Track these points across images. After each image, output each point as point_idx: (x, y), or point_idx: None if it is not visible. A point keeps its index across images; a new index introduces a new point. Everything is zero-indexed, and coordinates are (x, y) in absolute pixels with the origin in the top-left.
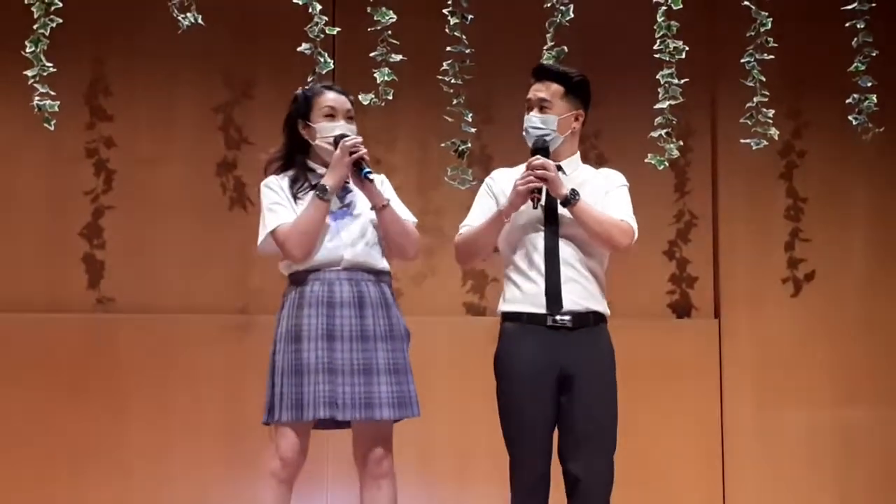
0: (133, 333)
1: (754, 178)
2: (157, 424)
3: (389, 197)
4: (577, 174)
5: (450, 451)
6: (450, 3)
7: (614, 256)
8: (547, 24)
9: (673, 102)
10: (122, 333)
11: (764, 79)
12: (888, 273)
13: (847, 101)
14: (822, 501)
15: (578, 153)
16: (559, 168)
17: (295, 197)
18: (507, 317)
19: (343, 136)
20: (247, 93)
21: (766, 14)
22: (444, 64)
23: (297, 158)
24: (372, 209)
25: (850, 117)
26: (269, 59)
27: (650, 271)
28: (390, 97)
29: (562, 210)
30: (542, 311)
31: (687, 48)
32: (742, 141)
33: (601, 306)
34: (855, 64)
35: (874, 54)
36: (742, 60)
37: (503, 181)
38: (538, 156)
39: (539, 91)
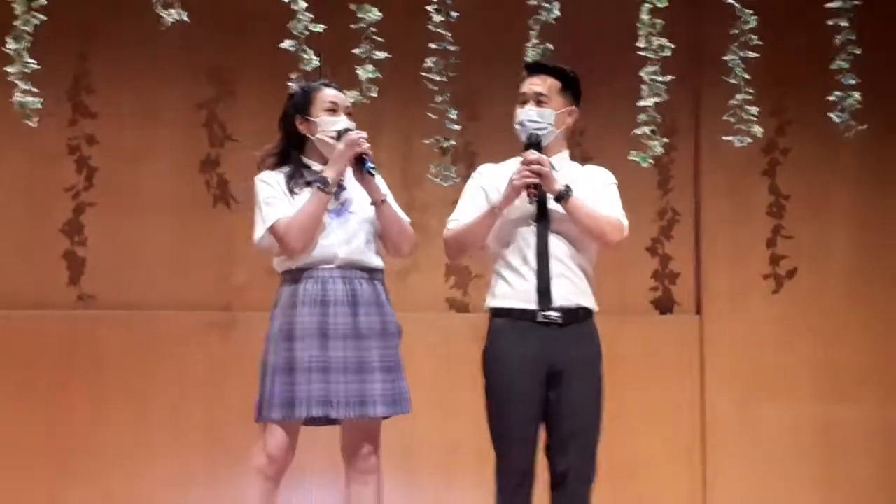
0: (115, 330)
1: (737, 176)
2: (139, 422)
3: (386, 193)
4: (565, 171)
5: (433, 447)
6: (434, 0)
7: (599, 252)
8: (532, 21)
9: (657, 100)
10: (103, 330)
11: (748, 77)
12: (870, 270)
13: (830, 98)
14: (802, 496)
15: (567, 150)
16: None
17: (291, 192)
18: (497, 312)
19: (347, 129)
20: (231, 90)
21: (751, 12)
22: (429, 61)
23: (292, 154)
24: (371, 204)
25: (832, 115)
26: (254, 56)
27: (633, 267)
28: (374, 94)
29: (552, 206)
30: (533, 306)
31: (672, 46)
32: (725, 138)
33: (590, 302)
34: (838, 62)
35: (857, 52)
36: (726, 58)
37: (492, 176)
38: (533, 150)
39: (535, 85)
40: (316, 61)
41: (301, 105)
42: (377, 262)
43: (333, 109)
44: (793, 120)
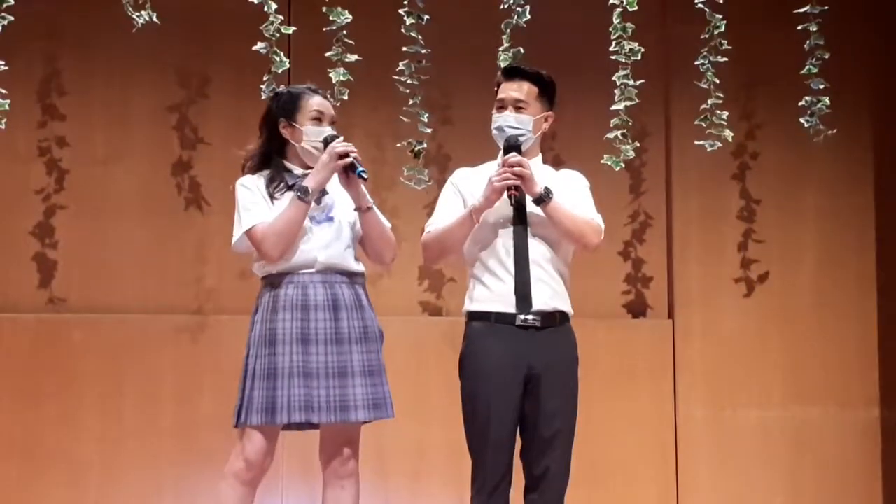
0: (85, 334)
1: (708, 179)
2: (110, 426)
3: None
4: (539, 175)
5: (405, 451)
6: (405, 3)
7: (574, 255)
8: (503, 24)
9: (629, 104)
10: (74, 334)
11: (718, 81)
12: (840, 274)
13: (800, 103)
14: (774, 499)
15: (540, 155)
16: None
17: (271, 197)
18: (475, 316)
19: (334, 136)
20: (202, 92)
21: (720, 16)
22: (401, 64)
23: (273, 158)
24: (356, 210)
25: (802, 119)
26: (225, 58)
27: (606, 271)
28: (345, 97)
29: (531, 209)
30: (511, 310)
31: (643, 50)
32: (696, 143)
33: (567, 306)
34: (807, 66)
35: (826, 57)
36: (696, 62)
37: (468, 180)
38: (514, 153)
39: (513, 91)
40: (286, 63)
41: (287, 110)
42: (358, 266)
43: (319, 119)
44: (763, 124)
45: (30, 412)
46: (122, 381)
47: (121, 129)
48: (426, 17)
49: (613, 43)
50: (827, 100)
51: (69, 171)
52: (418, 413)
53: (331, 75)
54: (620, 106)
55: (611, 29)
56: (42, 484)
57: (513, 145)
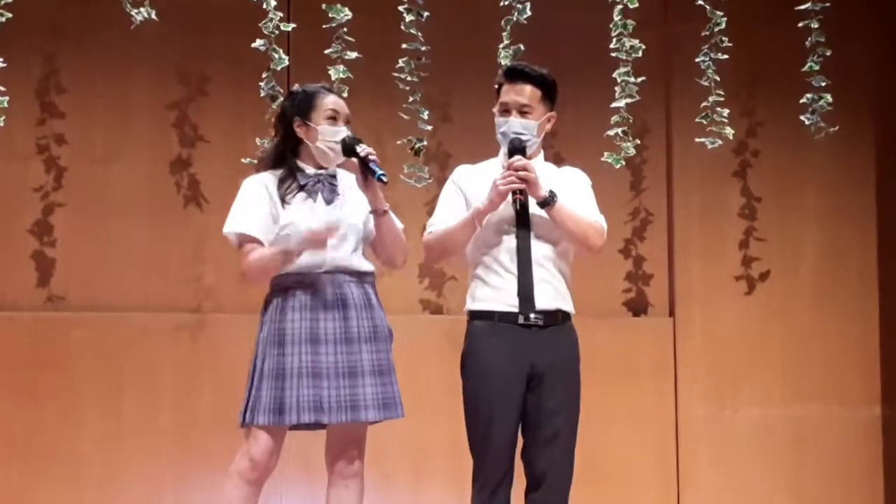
0: (84, 332)
1: (709, 177)
2: (109, 424)
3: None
4: (542, 173)
5: (406, 450)
6: (405, 0)
7: (576, 255)
8: (503, 22)
9: (629, 101)
10: (73, 332)
11: (718, 78)
12: (841, 271)
13: (801, 100)
14: (775, 498)
15: (542, 152)
16: None
17: (282, 200)
18: (477, 315)
19: (353, 138)
20: (201, 89)
21: (721, 14)
22: (400, 61)
23: (287, 157)
24: (371, 213)
25: (803, 117)
26: (224, 55)
27: (606, 269)
28: (345, 95)
29: (534, 210)
30: (514, 309)
31: (643, 47)
32: (697, 140)
33: (569, 305)
34: (809, 64)
35: (827, 54)
36: (697, 59)
37: (469, 178)
38: (518, 156)
39: (517, 95)
40: (286, 60)
41: (302, 109)
42: (367, 265)
43: (334, 118)
44: (764, 121)
45: (29, 410)
46: (121, 380)
47: (120, 127)
48: (426, 14)
49: (614, 40)
50: (828, 97)
51: (68, 168)
52: (419, 412)
53: (330, 72)
54: (621, 103)
55: (612, 26)
56: (41, 482)
57: (517, 148)
